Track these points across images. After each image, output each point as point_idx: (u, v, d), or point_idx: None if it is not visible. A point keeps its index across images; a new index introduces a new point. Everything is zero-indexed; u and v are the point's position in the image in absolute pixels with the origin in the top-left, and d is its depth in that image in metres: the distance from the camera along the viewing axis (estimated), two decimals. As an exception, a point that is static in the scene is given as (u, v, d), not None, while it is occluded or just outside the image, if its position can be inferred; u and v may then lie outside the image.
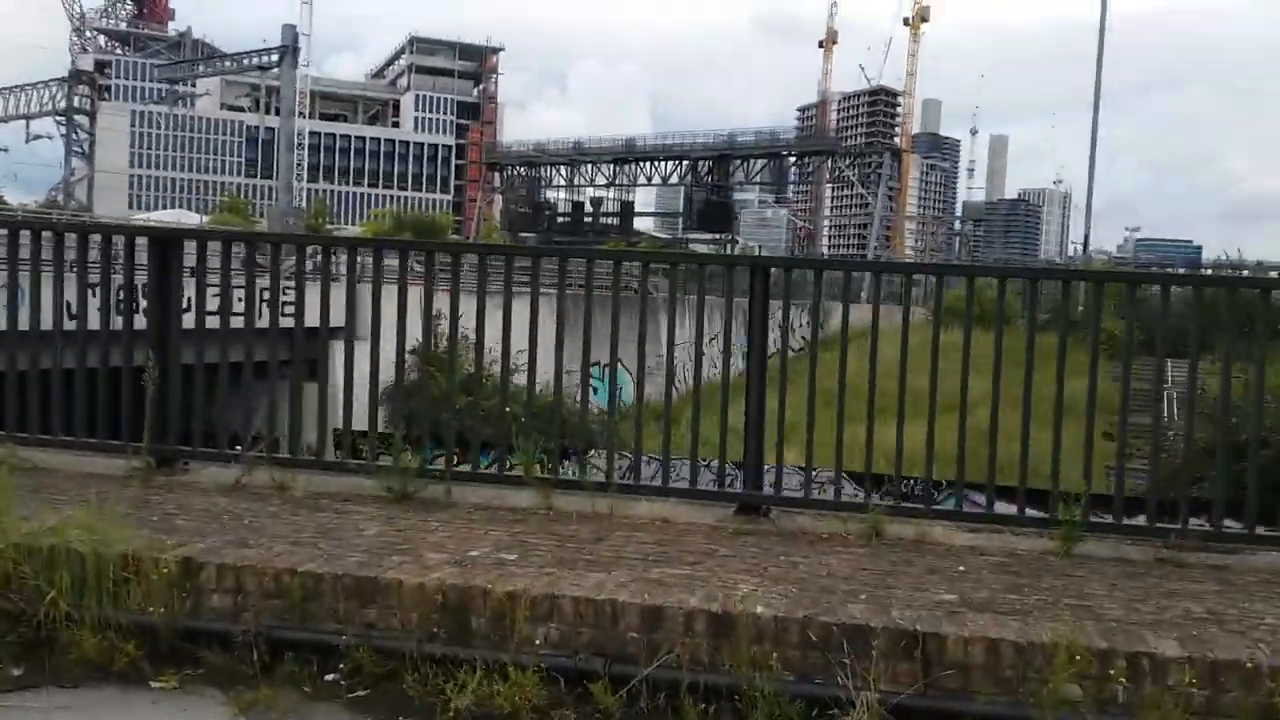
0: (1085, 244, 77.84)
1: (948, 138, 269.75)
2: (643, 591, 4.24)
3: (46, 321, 6.03)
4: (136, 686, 4.07)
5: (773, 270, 5.88)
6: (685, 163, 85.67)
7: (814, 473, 5.70)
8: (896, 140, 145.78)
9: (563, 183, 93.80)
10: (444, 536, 4.93)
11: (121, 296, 6.04)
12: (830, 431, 5.60)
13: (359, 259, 6.19)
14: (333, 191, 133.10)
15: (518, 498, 5.67)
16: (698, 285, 6.15)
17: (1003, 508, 5.82)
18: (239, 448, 6.03)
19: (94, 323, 6.00)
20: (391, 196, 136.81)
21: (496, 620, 4.16)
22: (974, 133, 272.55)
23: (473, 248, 5.87)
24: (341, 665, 4.14)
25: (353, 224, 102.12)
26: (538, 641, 4.11)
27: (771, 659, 3.94)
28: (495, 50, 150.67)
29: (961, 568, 4.89)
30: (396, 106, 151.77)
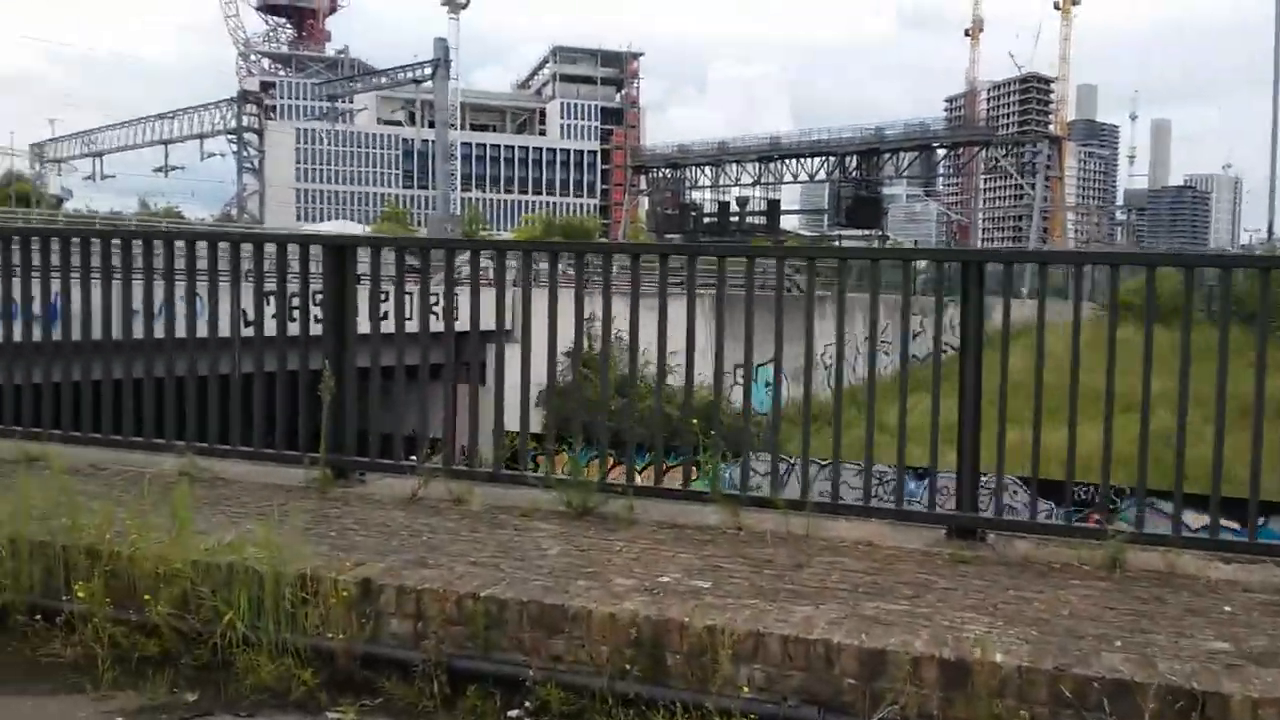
0: (1270, 230, 72.20)
1: (1105, 124, 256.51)
2: (858, 631, 3.75)
3: (224, 330, 6.00)
4: (313, 717, 3.84)
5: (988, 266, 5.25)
6: (832, 158, 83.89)
7: (1013, 489, 5.07)
8: (1051, 128, 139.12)
9: (707, 183, 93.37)
10: (630, 559, 4.56)
11: (296, 304, 5.94)
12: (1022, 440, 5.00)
13: (533, 265, 5.93)
14: (484, 199, 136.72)
15: (703, 514, 5.26)
16: (871, 282, 5.62)
17: (1190, 518, 5.21)
18: (413, 458, 5.84)
19: (269, 329, 5.91)
20: (540, 202, 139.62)
21: (694, 658, 3.75)
22: (1134, 118, 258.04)
23: (654, 248, 5.49)
24: (526, 702, 3.81)
25: (504, 230, 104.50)
26: (741, 684, 3.68)
27: (1019, 718, 3.39)
28: (635, 55, 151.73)
29: (1228, 608, 4.20)
30: (543, 115, 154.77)
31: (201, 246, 6.33)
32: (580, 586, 4.14)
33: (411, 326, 5.84)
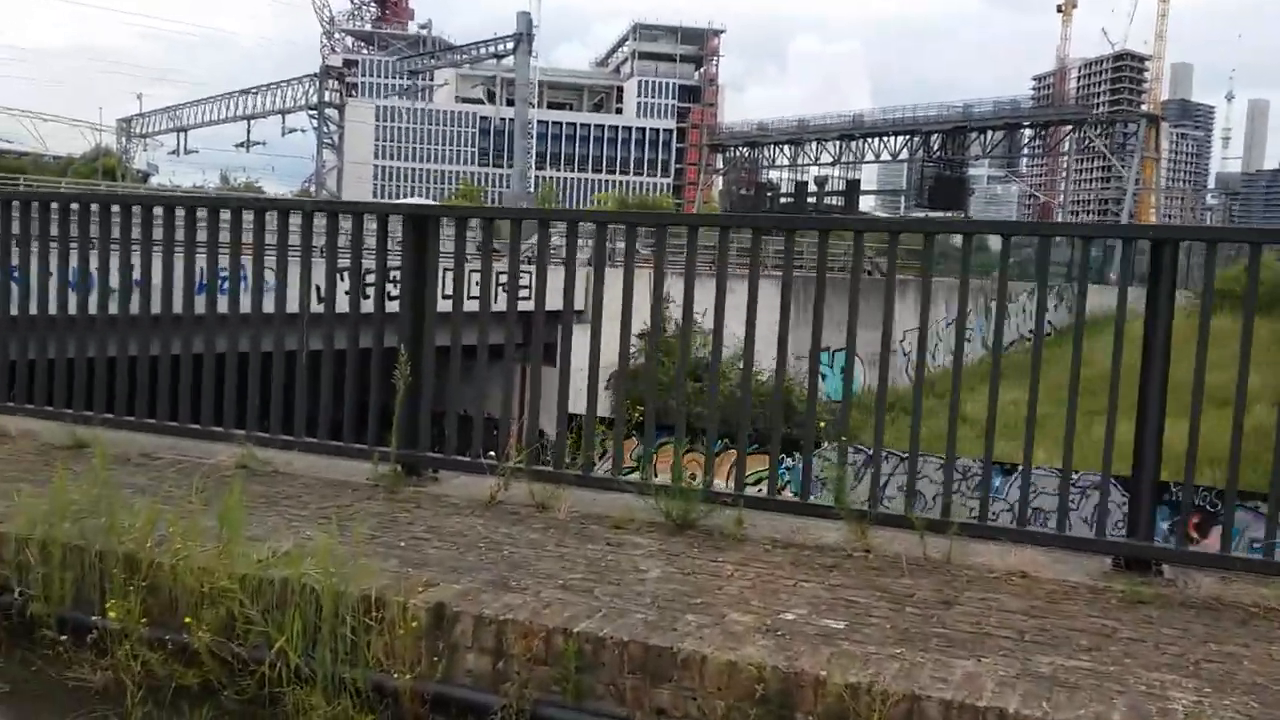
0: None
1: (1200, 104, 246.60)
2: (1038, 696, 3.03)
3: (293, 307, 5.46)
4: (374, 770, 3.26)
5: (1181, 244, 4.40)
6: (916, 138, 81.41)
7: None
8: (1144, 108, 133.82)
9: (786, 162, 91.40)
10: (744, 586, 3.88)
11: (371, 280, 5.37)
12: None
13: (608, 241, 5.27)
14: (558, 178, 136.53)
15: (820, 531, 4.56)
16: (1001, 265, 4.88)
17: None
18: (492, 453, 5.24)
19: (342, 305, 5.35)
20: (613, 181, 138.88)
21: (832, 720, 3.07)
22: (1230, 98, 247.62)
23: (718, 219, 4.71)
24: (626, 762, 3.18)
25: (577, 208, 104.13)
26: (891, 756, 2.99)
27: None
28: (717, 33, 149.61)
29: None
30: (620, 93, 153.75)
31: (271, 218, 5.77)
32: (689, 623, 3.48)
33: (495, 307, 5.21)
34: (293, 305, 5.35)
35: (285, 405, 5.42)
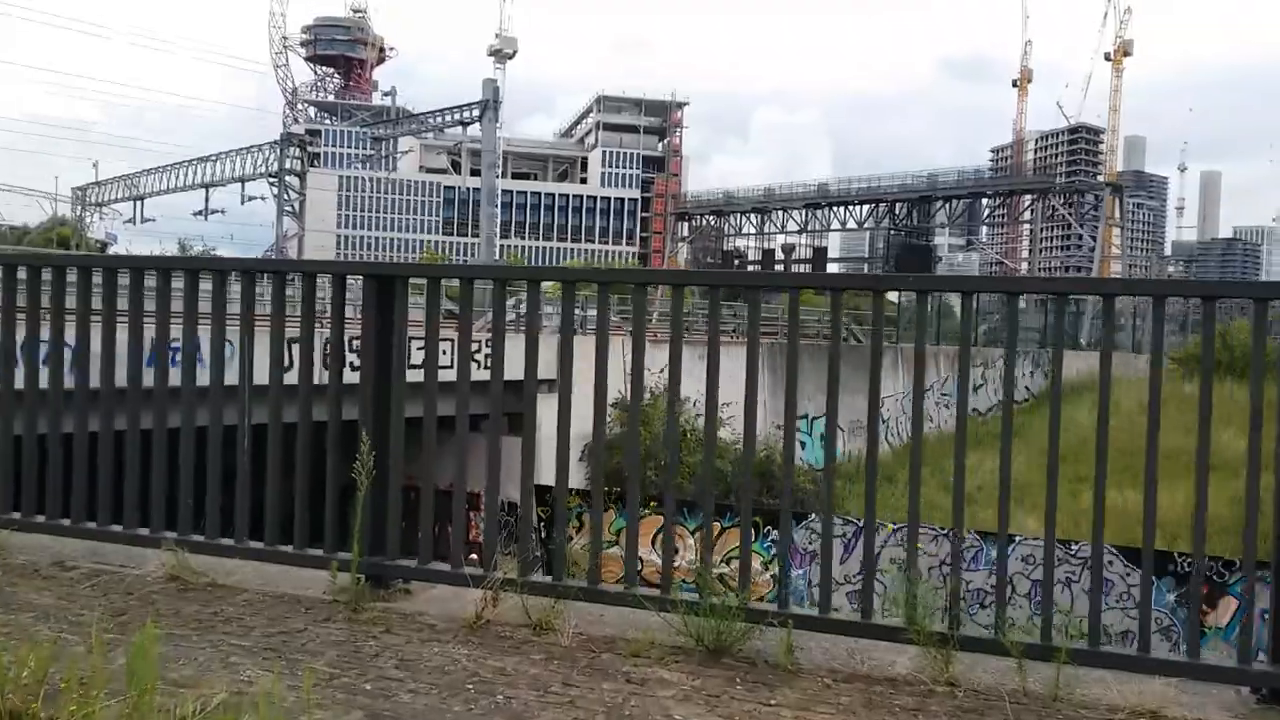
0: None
1: (1154, 175, 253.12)
2: None
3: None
4: None
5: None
6: (882, 206, 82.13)
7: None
8: (1100, 178, 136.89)
9: (752, 230, 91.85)
10: (811, 744, 3.01)
11: (327, 352, 4.53)
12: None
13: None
14: (523, 247, 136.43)
15: (884, 654, 3.70)
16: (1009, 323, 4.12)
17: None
18: (474, 556, 4.36)
19: (291, 378, 4.48)
20: (579, 250, 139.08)
21: None
22: (1183, 169, 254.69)
23: (688, 276, 3.96)
24: None
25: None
26: None
27: None
28: (680, 105, 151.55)
29: None
30: (584, 163, 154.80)
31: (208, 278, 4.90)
32: (756, 807, 2.60)
33: (464, 375, 4.36)
34: (232, 378, 4.47)
35: (225, 501, 4.51)
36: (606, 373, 4.12)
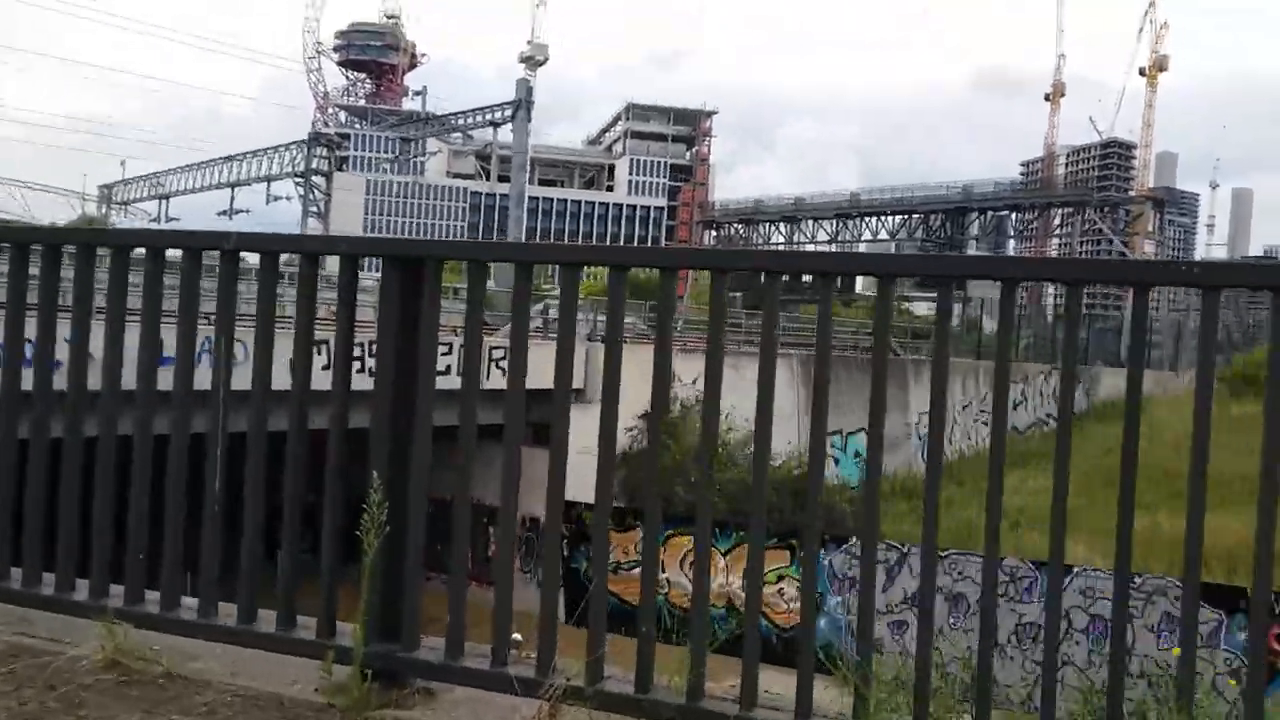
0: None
1: (1185, 192, 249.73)
2: None
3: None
4: None
5: None
6: (915, 217, 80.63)
7: None
8: (1132, 193, 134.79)
9: (781, 240, 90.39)
10: None
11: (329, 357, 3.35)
12: None
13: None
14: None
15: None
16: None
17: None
18: (517, 636, 3.18)
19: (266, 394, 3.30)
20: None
21: None
22: (1214, 186, 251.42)
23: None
24: None
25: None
26: None
27: None
28: (709, 114, 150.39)
29: None
30: (611, 170, 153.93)
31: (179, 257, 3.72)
32: None
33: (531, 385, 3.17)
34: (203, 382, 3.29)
35: (189, 560, 3.33)
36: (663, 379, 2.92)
